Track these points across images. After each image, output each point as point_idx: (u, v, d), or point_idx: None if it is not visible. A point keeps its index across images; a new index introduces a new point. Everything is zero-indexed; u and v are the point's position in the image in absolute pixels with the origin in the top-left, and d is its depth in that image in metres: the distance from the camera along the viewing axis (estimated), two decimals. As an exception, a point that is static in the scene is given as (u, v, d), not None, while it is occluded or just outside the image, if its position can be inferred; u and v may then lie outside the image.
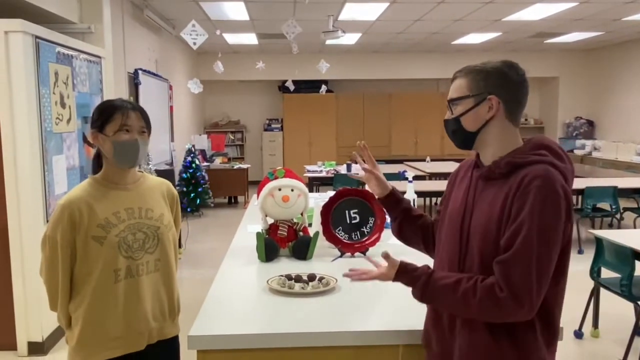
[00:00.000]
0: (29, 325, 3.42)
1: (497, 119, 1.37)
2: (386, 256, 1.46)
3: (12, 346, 3.44)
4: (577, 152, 10.49)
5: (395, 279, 1.43)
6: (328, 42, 8.97)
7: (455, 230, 1.43)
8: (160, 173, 5.89)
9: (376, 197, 1.80)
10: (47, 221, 3.50)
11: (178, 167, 8.13)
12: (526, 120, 12.08)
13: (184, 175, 8.02)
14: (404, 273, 1.42)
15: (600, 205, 6.29)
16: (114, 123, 1.67)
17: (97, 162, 1.79)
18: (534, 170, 1.28)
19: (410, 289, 1.42)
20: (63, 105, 3.75)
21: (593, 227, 6.91)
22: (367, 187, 1.82)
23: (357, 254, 2.44)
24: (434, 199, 8.05)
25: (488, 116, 1.37)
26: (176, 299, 1.88)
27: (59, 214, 1.65)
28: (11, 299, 3.42)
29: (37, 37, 3.41)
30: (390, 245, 2.62)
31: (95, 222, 1.66)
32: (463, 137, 1.42)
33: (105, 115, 1.68)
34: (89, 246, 1.65)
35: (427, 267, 1.42)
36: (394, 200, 1.75)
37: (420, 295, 1.38)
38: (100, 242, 1.66)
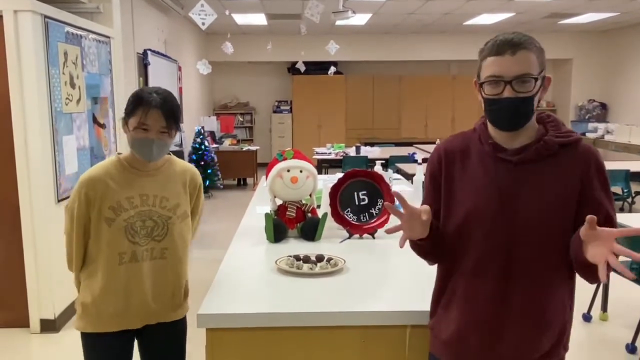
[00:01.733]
0: (41, 303, 3.47)
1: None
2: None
3: (24, 323, 3.50)
4: (590, 135, 10.37)
5: None
6: (338, 22, 8.87)
7: (494, 224, 1.33)
8: (169, 154, 5.89)
9: (420, 237, 1.37)
10: (58, 201, 3.54)
11: (187, 148, 8.14)
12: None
13: (193, 156, 8.04)
14: None
15: (612, 189, 6.22)
16: (134, 118, 1.67)
17: None
18: (585, 148, 1.33)
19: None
20: (73, 85, 3.75)
21: (604, 211, 6.84)
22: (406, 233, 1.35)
23: (365, 235, 2.44)
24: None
25: (543, 96, 1.34)
26: (184, 285, 1.88)
27: (77, 189, 1.71)
28: (23, 277, 3.46)
29: (46, 16, 3.40)
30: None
31: (107, 204, 1.69)
32: (528, 118, 1.32)
33: (130, 107, 1.69)
34: (100, 225, 1.70)
35: None
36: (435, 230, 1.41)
37: None
38: (109, 223, 1.69)
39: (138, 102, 1.66)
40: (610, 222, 1.33)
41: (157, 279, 1.78)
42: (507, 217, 1.32)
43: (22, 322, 3.51)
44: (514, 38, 1.28)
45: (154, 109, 1.65)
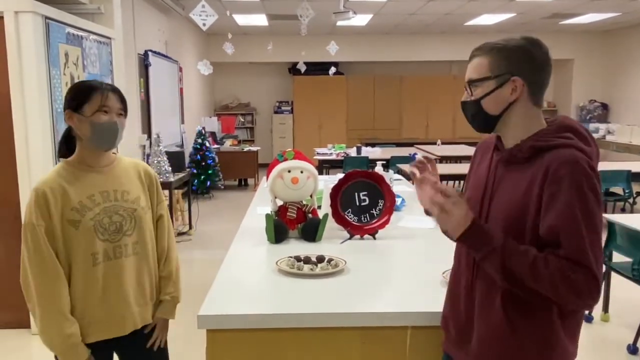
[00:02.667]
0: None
1: (520, 101, 1.30)
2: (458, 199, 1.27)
3: (25, 324, 3.50)
4: (591, 135, 10.37)
5: (466, 234, 1.26)
6: (339, 23, 8.87)
7: (475, 215, 1.35)
8: (170, 155, 5.90)
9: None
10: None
11: (188, 149, 8.14)
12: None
13: (194, 157, 8.04)
14: (476, 231, 1.26)
15: (613, 189, 6.23)
16: (92, 103, 1.63)
17: (66, 145, 1.75)
18: (561, 155, 1.22)
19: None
20: (73, 86, 3.75)
21: (605, 211, 6.85)
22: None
23: (366, 236, 2.44)
24: (444, 182, 8.01)
25: (511, 99, 1.30)
26: (156, 283, 1.83)
27: (33, 198, 1.62)
28: (25, 278, 3.46)
29: (47, 17, 3.40)
30: (399, 227, 2.62)
31: (69, 206, 1.63)
32: (484, 121, 1.35)
33: (82, 95, 1.64)
34: (66, 230, 1.62)
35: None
36: None
37: (499, 255, 1.23)
38: (75, 225, 1.63)
39: (92, 89, 1.64)
40: (553, 232, 1.21)
41: (135, 276, 1.74)
42: (484, 212, 1.37)
43: (22, 322, 3.50)
44: (479, 47, 1.33)
45: (111, 92, 1.66)
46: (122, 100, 1.70)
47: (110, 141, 1.68)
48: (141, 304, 1.76)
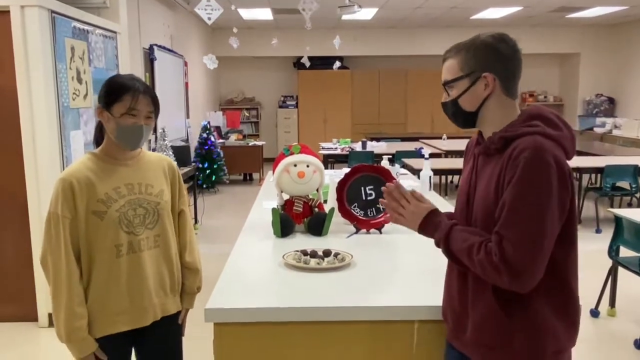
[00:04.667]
0: (49, 298, 3.48)
1: (494, 95, 1.36)
2: (419, 196, 1.46)
3: (33, 317, 3.53)
4: (597, 129, 10.30)
5: (421, 226, 1.44)
6: (344, 17, 8.84)
7: (464, 208, 1.44)
8: (175, 149, 5.91)
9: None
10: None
11: (193, 143, 8.16)
12: (545, 97, 11.87)
13: (199, 151, 8.05)
14: (430, 221, 1.42)
15: (619, 184, 6.19)
16: (121, 105, 1.63)
17: (100, 134, 1.77)
18: (523, 142, 1.26)
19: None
20: (79, 80, 3.76)
21: (612, 205, 6.82)
22: None
23: (372, 230, 2.44)
24: (450, 177, 7.99)
25: (485, 94, 1.35)
26: (176, 275, 1.85)
27: (59, 187, 1.63)
28: (32, 271, 3.49)
29: (53, 11, 3.41)
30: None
31: (95, 197, 1.64)
32: (464, 118, 1.42)
33: (114, 94, 1.64)
34: (90, 221, 1.64)
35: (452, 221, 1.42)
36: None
37: (443, 243, 1.39)
38: (100, 217, 1.64)
39: (124, 88, 1.64)
40: (514, 213, 1.23)
41: (156, 269, 1.76)
42: (470, 203, 1.41)
43: (30, 316, 3.53)
44: (449, 49, 1.41)
45: (142, 95, 1.65)
46: (154, 103, 1.70)
47: (134, 143, 1.70)
48: (161, 296, 1.79)
